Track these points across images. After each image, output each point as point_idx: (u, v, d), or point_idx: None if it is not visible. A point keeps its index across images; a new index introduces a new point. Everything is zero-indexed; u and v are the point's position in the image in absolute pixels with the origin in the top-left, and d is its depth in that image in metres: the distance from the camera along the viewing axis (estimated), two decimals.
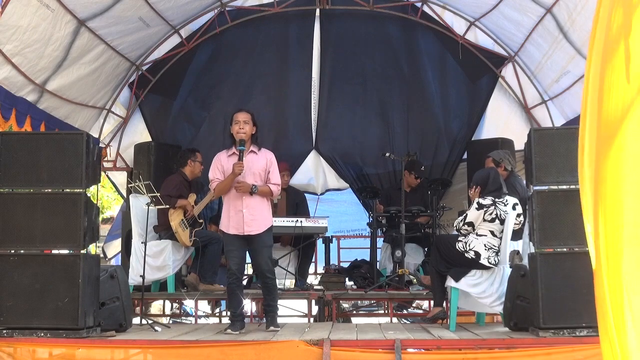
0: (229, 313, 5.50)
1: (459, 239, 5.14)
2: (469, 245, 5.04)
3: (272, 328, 5.08)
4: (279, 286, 7.24)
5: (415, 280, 6.99)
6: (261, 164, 5.12)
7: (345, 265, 8.16)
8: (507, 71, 8.31)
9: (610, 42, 1.86)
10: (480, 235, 5.08)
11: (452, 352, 4.27)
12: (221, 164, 5.15)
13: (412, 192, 7.52)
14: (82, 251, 4.49)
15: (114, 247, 9.32)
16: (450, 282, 5.11)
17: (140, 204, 6.48)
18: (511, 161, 6.32)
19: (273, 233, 5.33)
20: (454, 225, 5.33)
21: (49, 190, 4.56)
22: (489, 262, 5.00)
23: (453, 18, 8.28)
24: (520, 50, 7.88)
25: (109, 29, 6.75)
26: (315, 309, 6.74)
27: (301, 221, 6.74)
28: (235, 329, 4.99)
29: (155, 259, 6.50)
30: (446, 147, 8.52)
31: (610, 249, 1.82)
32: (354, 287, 7.33)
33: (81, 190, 4.55)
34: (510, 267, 5.06)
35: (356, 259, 7.96)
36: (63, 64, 6.41)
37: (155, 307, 8.82)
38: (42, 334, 4.36)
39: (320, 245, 7.89)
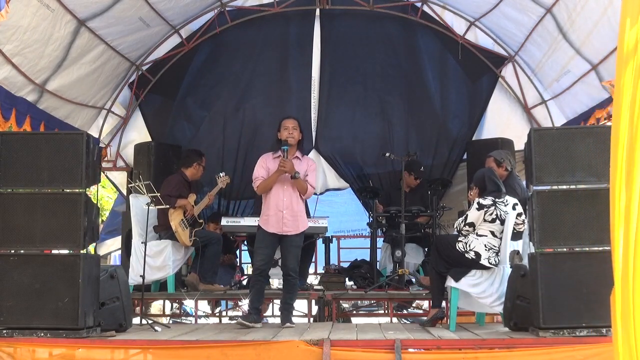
0: (247, 304, 5.63)
1: (459, 239, 5.14)
2: (469, 246, 5.04)
3: (288, 324, 5.27)
4: (279, 286, 7.26)
5: (414, 280, 6.99)
6: (302, 169, 5.39)
7: (345, 265, 8.16)
8: (507, 71, 8.31)
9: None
10: (481, 236, 5.08)
11: (452, 352, 4.26)
12: (267, 165, 5.41)
13: (412, 192, 7.52)
14: (82, 251, 4.49)
15: (107, 247, 9.33)
16: (450, 282, 5.11)
17: (140, 204, 6.49)
18: (512, 161, 6.32)
19: None
20: (455, 226, 5.33)
21: (49, 190, 4.55)
22: (489, 262, 5.00)
23: (453, 18, 8.28)
24: (521, 50, 7.88)
25: (109, 29, 6.75)
26: (315, 309, 6.74)
27: None
28: (249, 320, 5.18)
29: (155, 259, 6.51)
30: (446, 147, 8.51)
31: None
32: (354, 287, 7.33)
33: (81, 190, 4.54)
34: (510, 267, 5.06)
35: (356, 259, 7.96)
36: (63, 64, 6.41)
37: (155, 307, 8.82)
38: (42, 334, 4.35)
39: (320, 245, 7.90)
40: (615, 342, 2.11)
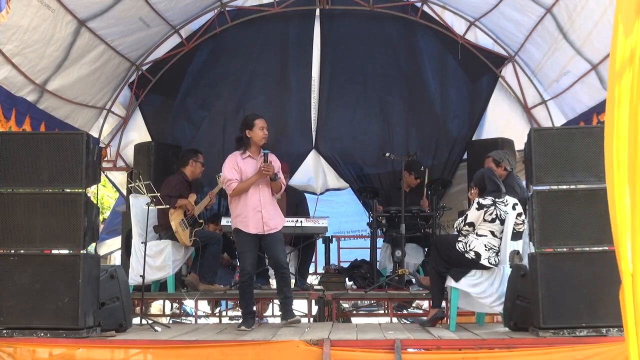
0: (240, 310, 5.61)
1: (459, 239, 5.14)
2: (469, 246, 5.04)
3: (294, 319, 5.25)
4: None
5: (414, 280, 6.99)
6: (273, 167, 5.32)
7: (345, 265, 8.16)
8: (507, 71, 8.31)
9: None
10: (481, 236, 5.08)
11: (452, 352, 4.27)
12: (238, 166, 5.26)
13: (412, 192, 7.52)
14: (82, 251, 4.49)
15: (107, 246, 9.34)
16: (450, 282, 5.11)
17: (140, 204, 6.49)
18: (511, 161, 6.32)
19: None
20: (455, 226, 5.33)
21: (49, 190, 4.55)
22: (489, 262, 5.00)
23: (453, 18, 8.28)
24: (520, 50, 7.88)
25: (109, 30, 6.76)
26: (315, 309, 6.74)
27: (301, 221, 6.74)
28: (249, 326, 5.15)
29: (155, 259, 6.51)
30: (446, 147, 8.51)
31: None
32: (354, 287, 7.33)
33: (81, 190, 4.55)
34: (510, 267, 5.06)
35: (356, 259, 7.96)
36: (63, 64, 6.41)
37: (155, 307, 8.83)
38: (42, 334, 4.35)
39: (320, 245, 7.89)
40: (628, 339, 2.12)
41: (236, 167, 5.24)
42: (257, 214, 5.20)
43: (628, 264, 2.08)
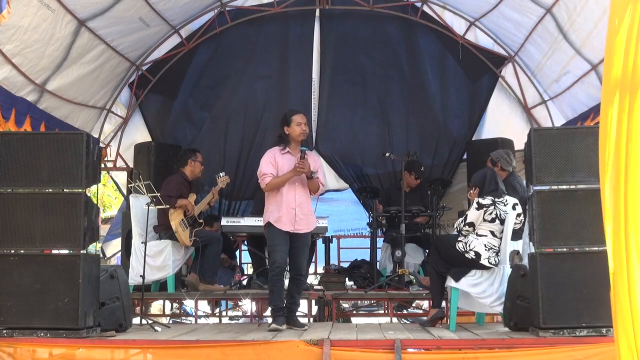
0: (270, 307, 5.45)
1: (459, 239, 5.14)
2: (469, 246, 5.04)
3: (302, 329, 5.10)
4: None
5: (414, 280, 6.99)
6: (311, 166, 5.22)
7: (345, 265, 8.16)
8: (507, 71, 8.31)
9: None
10: (481, 236, 5.08)
11: (452, 352, 4.27)
12: (275, 160, 5.20)
13: (412, 192, 7.52)
14: (82, 251, 4.49)
15: (113, 247, 9.34)
16: (450, 282, 5.11)
17: (140, 204, 6.49)
18: (509, 161, 6.32)
19: None
20: (455, 226, 5.33)
21: (49, 190, 4.55)
22: (489, 262, 5.00)
23: (453, 18, 8.29)
24: (520, 50, 7.89)
25: (109, 29, 6.76)
26: (315, 309, 6.74)
27: None
28: (280, 323, 5.04)
29: (155, 259, 6.51)
30: (446, 147, 8.52)
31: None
32: (354, 287, 7.33)
33: (81, 190, 4.55)
34: (510, 267, 5.06)
35: (356, 259, 7.97)
36: (63, 64, 6.42)
37: (155, 307, 8.83)
38: (42, 334, 4.35)
39: (320, 245, 7.90)
40: (616, 340, 2.12)
41: (273, 162, 5.18)
42: (291, 211, 5.12)
43: (610, 262, 2.08)
